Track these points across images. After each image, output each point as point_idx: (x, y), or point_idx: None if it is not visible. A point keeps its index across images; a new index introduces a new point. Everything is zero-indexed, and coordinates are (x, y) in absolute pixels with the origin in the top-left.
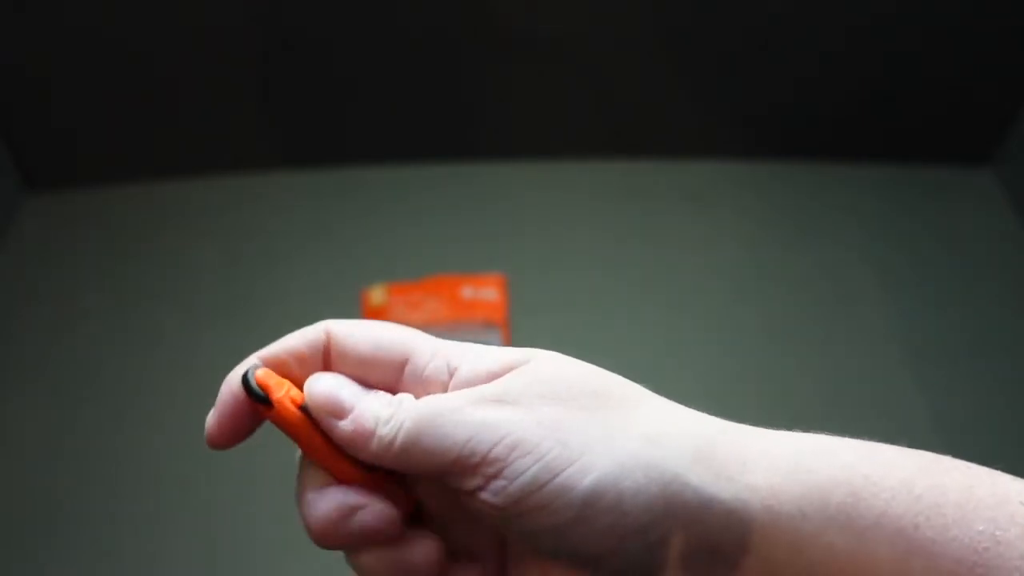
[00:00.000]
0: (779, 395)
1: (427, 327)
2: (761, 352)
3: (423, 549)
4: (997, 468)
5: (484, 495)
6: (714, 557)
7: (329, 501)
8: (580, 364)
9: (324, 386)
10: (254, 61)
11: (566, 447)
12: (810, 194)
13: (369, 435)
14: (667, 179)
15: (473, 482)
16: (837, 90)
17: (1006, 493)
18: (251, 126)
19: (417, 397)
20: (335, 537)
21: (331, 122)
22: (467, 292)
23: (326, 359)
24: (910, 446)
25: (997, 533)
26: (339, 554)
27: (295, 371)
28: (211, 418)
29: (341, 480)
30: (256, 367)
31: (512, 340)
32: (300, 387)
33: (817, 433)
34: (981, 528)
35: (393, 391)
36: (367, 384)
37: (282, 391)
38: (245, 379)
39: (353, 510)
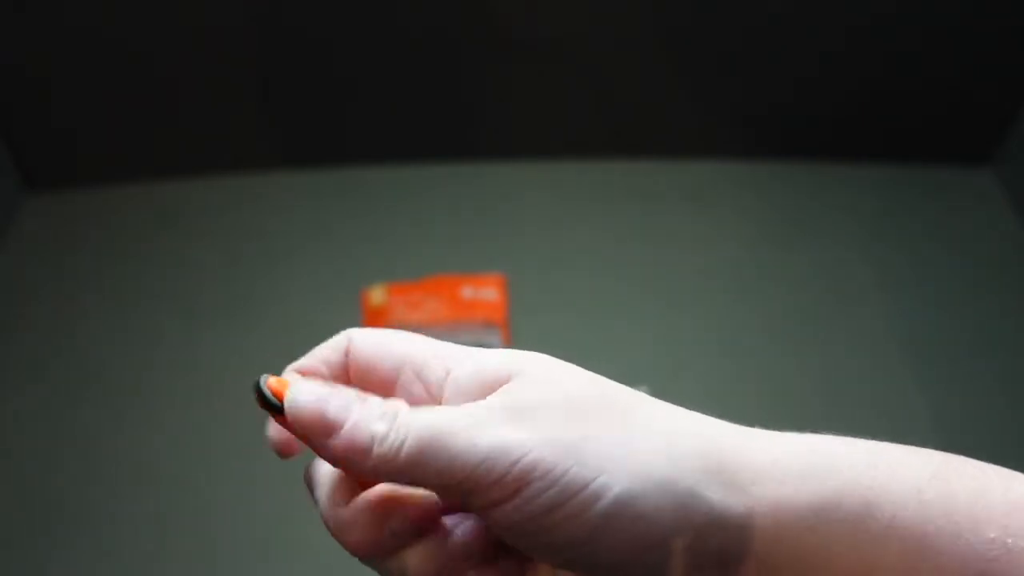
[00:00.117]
0: (779, 395)
1: (427, 327)
2: (761, 352)
3: (460, 538)
4: None
5: (495, 513)
6: (719, 563)
7: (363, 512)
8: (584, 373)
9: (307, 401)
10: (254, 61)
11: (583, 467)
12: (810, 194)
13: (365, 452)
14: (667, 179)
15: (483, 501)
16: (837, 90)
17: (1019, 498)
18: (251, 126)
19: (413, 402)
20: (380, 547)
21: (331, 122)
22: (467, 292)
23: (345, 364)
24: (910, 445)
25: (1009, 541)
26: (338, 554)
27: (327, 378)
28: (270, 429)
29: (364, 483)
30: (267, 376)
31: (512, 340)
32: None
33: (823, 433)
34: (992, 536)
35: (390, 395)
36: (366, 388)
37: None
38: (257, 387)
39: (390, 512)
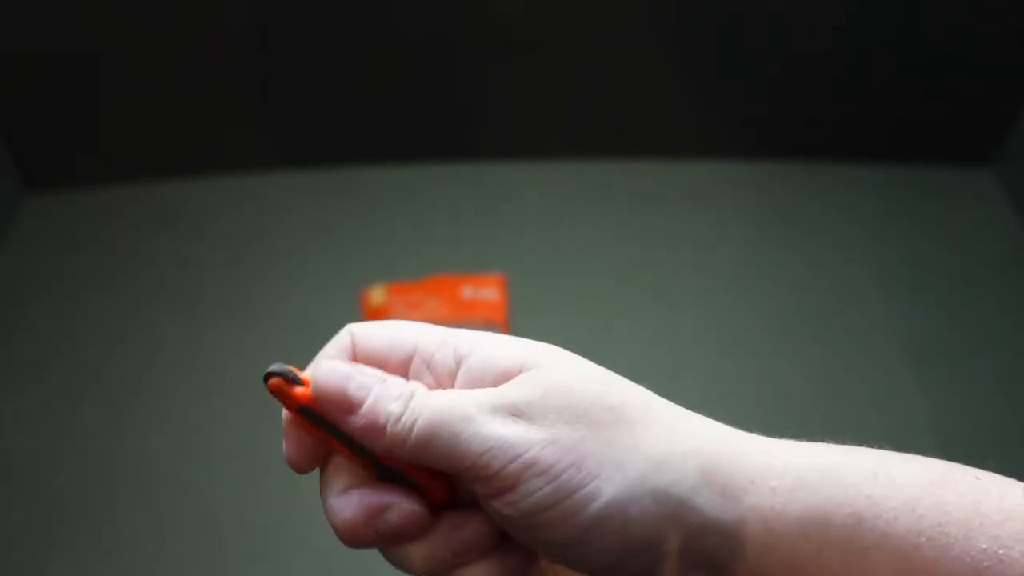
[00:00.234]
0: (779, 395)
1: None
2: (761, 352)
3: (465, 533)
4: (995, 468)
5: (495, 503)
6: (710, 569)
7: (354, 505)
8: (592, 370)
9: (331, 377)
10: (254, 61)
11: (579, 469)
12: (810, 194)
13: (380, 430)
14: (667, 179)
15: (486, 490)
16: (837, 90)
17: (1013, 508)
18: (251, 126)
19: (427, 386)
20: (363, 539)
21: (331, 122)
22: (467, 292)
23: (353, 360)
24: (910, 446)
25: (1000, 551)
26: (338, 554)
27: None
28: (286, 446)
29: (366, 465)
30: (279, 363)
31: None
32: None
33: (824, 437)
34: (984, 547)
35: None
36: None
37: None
38: (275, 371)
39: (378, 511)
